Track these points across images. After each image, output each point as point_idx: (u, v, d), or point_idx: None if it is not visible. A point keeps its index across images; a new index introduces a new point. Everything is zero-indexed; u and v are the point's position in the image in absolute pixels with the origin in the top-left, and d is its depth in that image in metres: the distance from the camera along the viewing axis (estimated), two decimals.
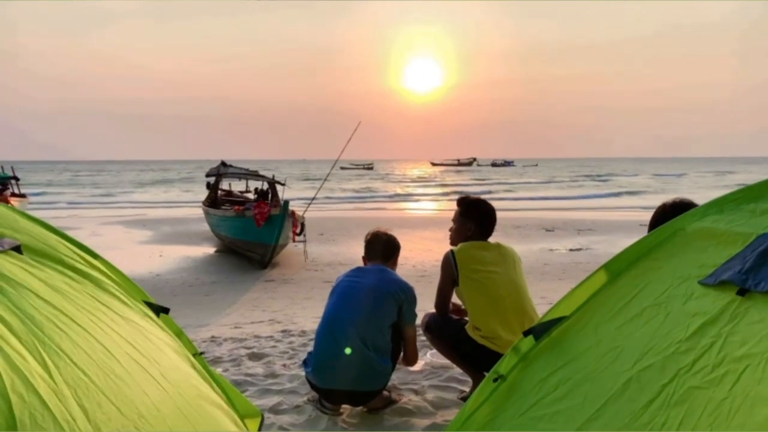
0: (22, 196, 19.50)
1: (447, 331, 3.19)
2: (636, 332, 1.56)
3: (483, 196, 3.43)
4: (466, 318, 3.13)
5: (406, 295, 3.02)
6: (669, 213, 2.42)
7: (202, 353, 2.11)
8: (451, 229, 3.35)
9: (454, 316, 3.30)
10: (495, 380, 1.90)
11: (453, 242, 3.28)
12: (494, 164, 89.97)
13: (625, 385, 1.44)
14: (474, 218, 3.23)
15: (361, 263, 3.32)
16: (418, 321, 3.47)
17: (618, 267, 1.84)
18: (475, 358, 3.05)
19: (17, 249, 1.58)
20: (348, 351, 2.84)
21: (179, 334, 2.06)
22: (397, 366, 3.30)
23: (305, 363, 3.08)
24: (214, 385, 1.92)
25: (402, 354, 3.17)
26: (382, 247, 3.25)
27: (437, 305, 3.26)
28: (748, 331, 1.29)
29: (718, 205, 1.77)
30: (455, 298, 3.26)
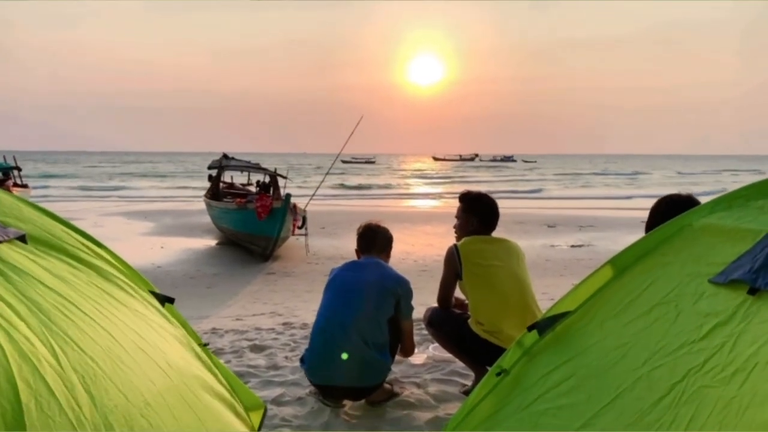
0: (24, 186, 19.51)
1: (449, 325, 3.19)
2: (645, 330, 1.54)
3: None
4: (469, 312, 3.13)
5: (403, 290, 3.02)
6: (670, 208, 2.39)
7: (206, 344, 2.11)
8: (455, 225, 3.34)
9: (457, 311, 3.30)
10: (498, 374, 1.89)
11: (458, 238, 3.28)
12: (494, 159, 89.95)
13: (635, 383, 1.42)
14: (477, 213, 3.23)
15: None
16: (420, 315, 3.46)
17: (624, 262, 1.83)
18: (478, 353, 3.04)
19: (22, 238, 1.58)
20: (345, 356, 2.82)
21: (184, 324, 2.06)
22: (398, 359, 3.28)
23: (302, 361, 3.06)
24: (219, 376, 1.92)
25: (399, 346, 3.17)
26: (377, 240, 3.23)
27: (440, 299, 3.26)
28: (758, 330, 1.28)
29: (725, 201, 1.75)
30: (458, 293, 3.26)
